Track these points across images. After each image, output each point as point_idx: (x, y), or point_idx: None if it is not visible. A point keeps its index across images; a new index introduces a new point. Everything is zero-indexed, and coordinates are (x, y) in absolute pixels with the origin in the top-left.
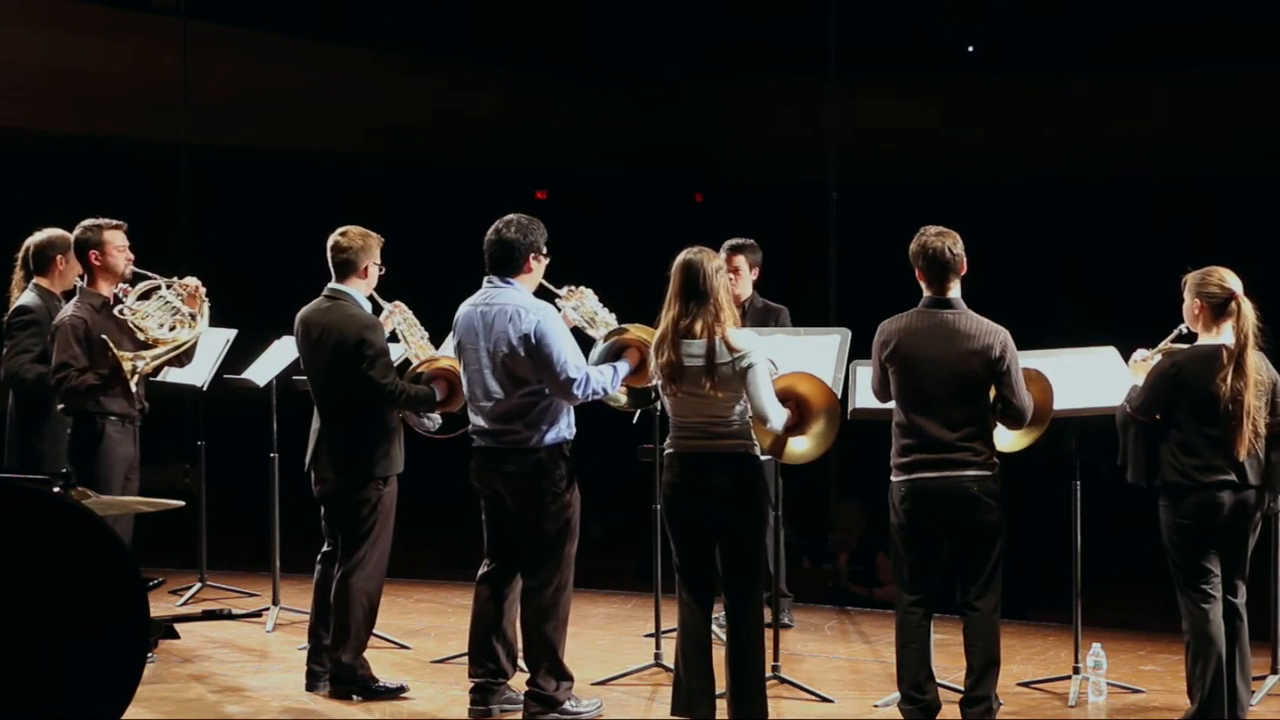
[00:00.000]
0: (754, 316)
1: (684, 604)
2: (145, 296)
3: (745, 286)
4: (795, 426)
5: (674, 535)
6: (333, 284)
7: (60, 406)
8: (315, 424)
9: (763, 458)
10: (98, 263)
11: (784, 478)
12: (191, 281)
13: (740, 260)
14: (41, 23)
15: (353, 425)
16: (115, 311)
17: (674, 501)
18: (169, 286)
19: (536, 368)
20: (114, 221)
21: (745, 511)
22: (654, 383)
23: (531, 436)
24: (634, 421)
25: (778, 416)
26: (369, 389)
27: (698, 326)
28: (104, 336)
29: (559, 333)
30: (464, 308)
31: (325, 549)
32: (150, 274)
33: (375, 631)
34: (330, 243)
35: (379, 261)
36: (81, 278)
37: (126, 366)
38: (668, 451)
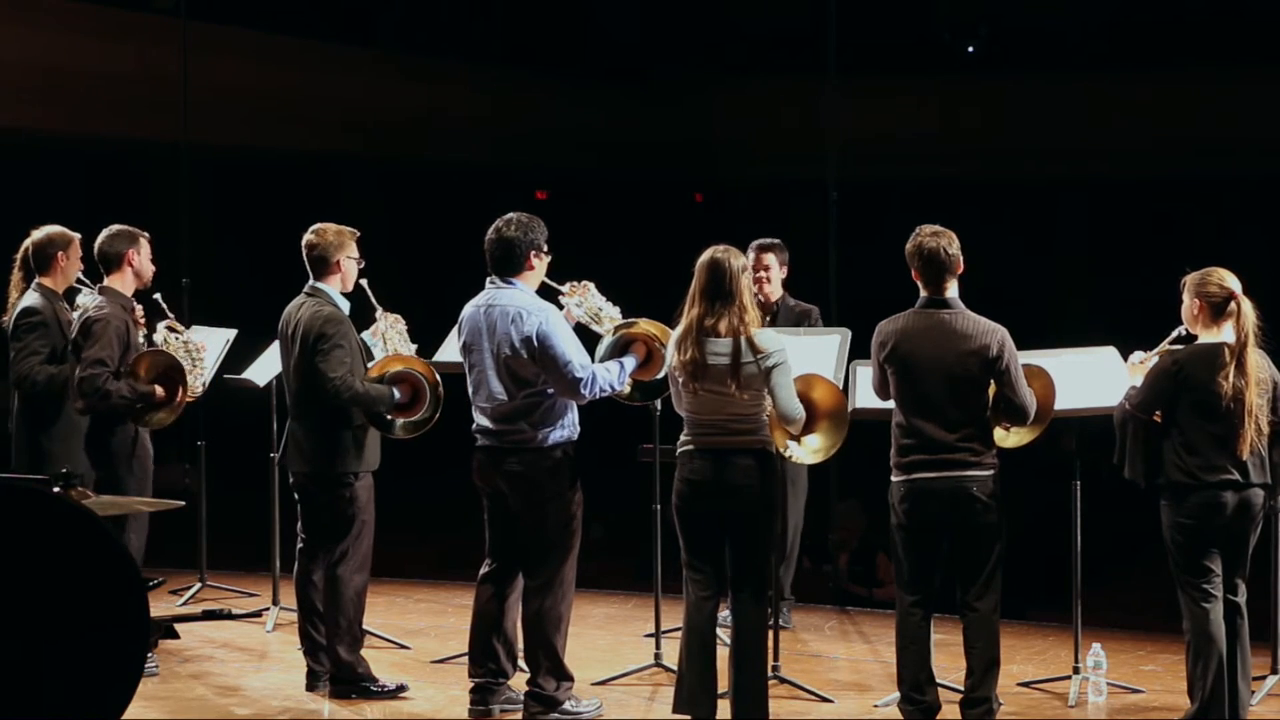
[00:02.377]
0: (785, 317)
1: (690, 601)
2: (170, 330)
3: (775, 286)
4: (805, 427)
5: (685, 532)
6: (311, 282)
7: (79, 404)
8: (289, 419)
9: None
10: (134, 264)
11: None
12: (201, 341)
13: (770, 258)
14: (41, 23)
15: (317, 421)
16: (169, 336)
17: (689, 498)
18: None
19: (542, 370)
20: (144, 232)
21: (762, 507)
22: (667, 373)
23: (535, 436)
24: (653, 409)
25: (799, 416)
26: (320, 381)
27: (722, 326)
28: (178, 362)
29: (562, 334)
30: (468, 308)
31: (299, 545)
32: (167, 309)
33: (375, 631)
34: (304, 241)
35: (355, 256)
36: (86, 278)
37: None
38: (685, 448)
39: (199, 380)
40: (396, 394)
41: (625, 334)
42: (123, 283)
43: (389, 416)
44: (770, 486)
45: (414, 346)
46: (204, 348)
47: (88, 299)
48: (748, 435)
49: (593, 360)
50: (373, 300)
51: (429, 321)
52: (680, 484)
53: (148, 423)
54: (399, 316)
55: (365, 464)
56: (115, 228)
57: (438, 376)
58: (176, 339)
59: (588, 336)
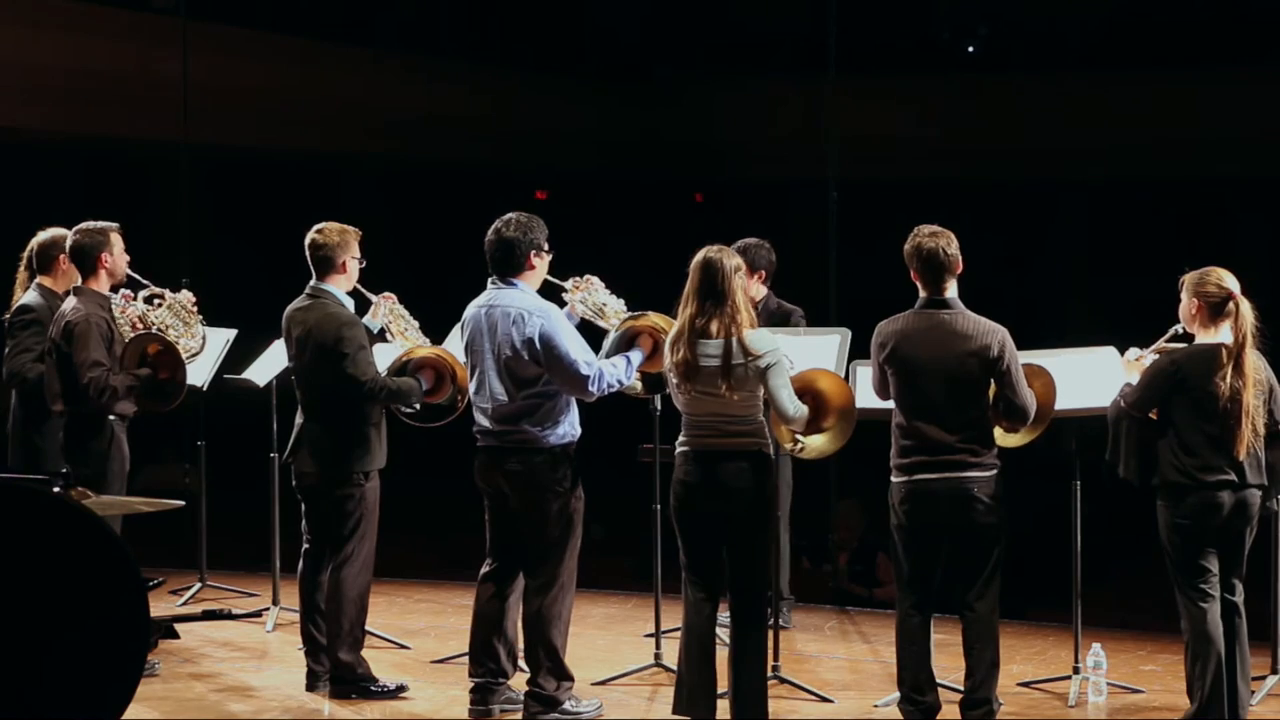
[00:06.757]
0: (766, 317)
1: (689, 602)
2: (148, 301)
3: (757, 287)
4: (811, 421)
5: (682, 533)
6: (313, 282)
7: (72, 407)
8: (299, 419)
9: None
10: (107, 265)
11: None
12: (190, 295)
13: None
14: (42, 23)
15: (333, 421)
16: (131, 315)
17: (685, 499)
18: (175, 292)
19: (547, 370)
20: (114, 224)
21: (757, 509)
22: (666, 370)
23: (536, 436)
24: (653, 409)
25: (799, 414)
26: (349, 386)
27: (714, 327)
28: (165, 338)
29: (565, 333)
30: (471, 309)
31: (305, 547)
32: (143, 280)
33: (375, 631)
34: (307, 240)
35: (358, 256)
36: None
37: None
38: (681, 449)
39: (197, 338)
40: (423, 382)
41: (631, 326)
42: (98, 283)
43: (416, 406)
44: (766, 489)
45: (415, 323)
46: (194, 301)
47: (66, 303)
48: (742, 437)
49: (600, 353)
50: (366, 294)
51: (430, 322)
52: (676, 485)
53: (159, 410)
54: (389, 295)
55: (376, 462)
56: (85, 226)
57: (455, 357)
58: (159, 307)
59: (592, 331)
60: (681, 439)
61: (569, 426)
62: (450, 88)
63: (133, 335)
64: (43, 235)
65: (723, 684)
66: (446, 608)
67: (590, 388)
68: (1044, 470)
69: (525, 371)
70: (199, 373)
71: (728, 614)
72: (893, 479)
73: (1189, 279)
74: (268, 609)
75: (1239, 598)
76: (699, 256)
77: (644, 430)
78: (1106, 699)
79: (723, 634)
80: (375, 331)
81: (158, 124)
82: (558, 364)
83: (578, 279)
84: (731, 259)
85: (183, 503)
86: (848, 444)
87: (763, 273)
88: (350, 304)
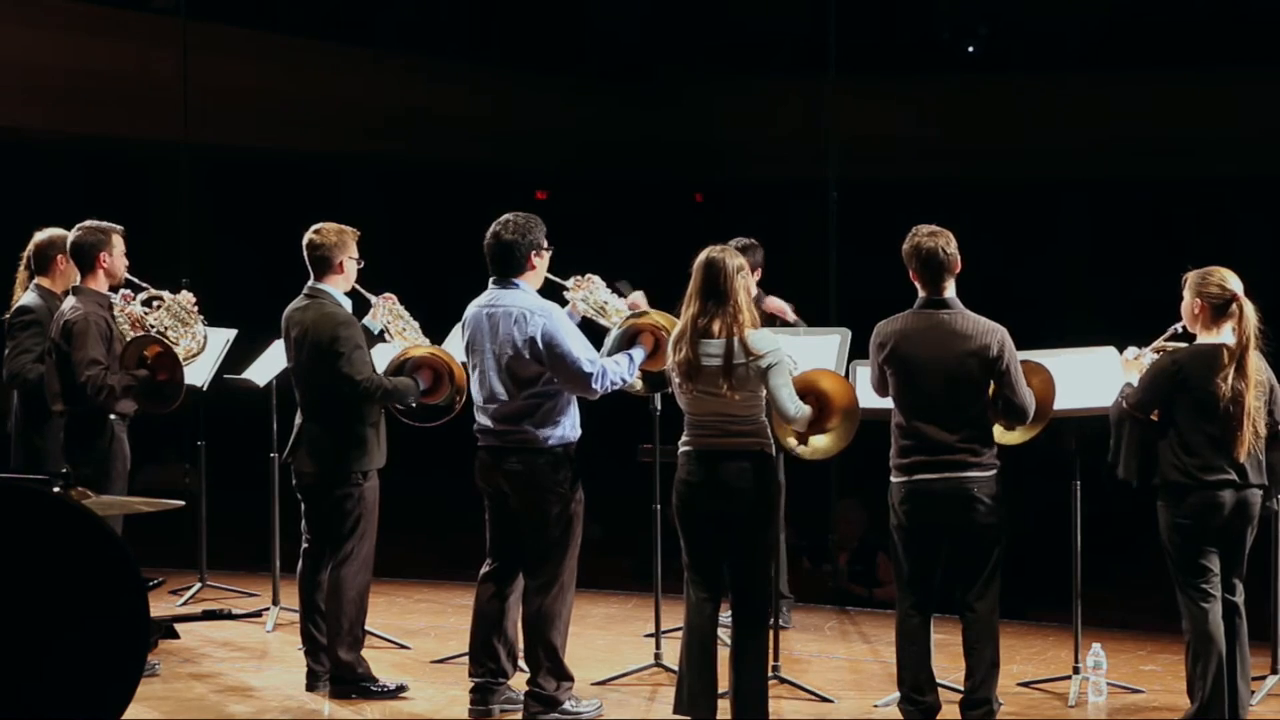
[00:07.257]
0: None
1: (691, 603)
2: (146, 304)
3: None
4: (815, 422)
5: (685, 533)
6: (311, 282)
7: (72, 407)
8: (298, 419)
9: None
10: (105, 265)
11: (785, 478)
12: (190, 296)
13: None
14: (42, 23)
15: (331, 421)
16: (127, 316)
17: (688, 499)
18: (174, 293)
19: (550, 369)
20: (118, 226)
21: (759, 510)
22: (668, 369)
23: (537, 436)
24: (653, 409)
25: (800, 415)
26: (346, 385)
27: (716, 326)
28: (164, 339)
29: (567, 331)
30: (472, 308)
31: (305, 546)
32: (142, 283)
33: (375, 631)
34: (305, 240)
35: (355, 256)
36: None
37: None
38: (683, 449)
39: (197, 338)
40: (420, 382)
41: (633, 324)
42: (96, 282)
43: (413, 404)
44: (767, 490)
45: (415, 324)
46: (194, 301)
47: (65, 302)
48: (744, 437)
49: (601, 351)
50: (366, 295)
51: (430, 322)
52: (678, 485)
53: (159, 411)
54: (389, 295)
55: (375, 461)
56: (86, 225)
57: (453, 356)
58: (158, 308)
59: (593, 329)
60: (684, 439)
61: (569, 427)
62: (450, 88)
63: (132, 336)
64: (40, 236)
65: (723, 684)
66: (446, 608)
67: (593, 385)
68: (1044, 470)
69: (526, 371)
70: (199, 373)
71: (729, 614)
72: (892, 479)
73: (1191, 278)
74: (268, 609)
75: (1239, 598)
76: (701, 256)
77: (644, 430)
78: (1106, 699)
79: (723, 634)
80: (375, 333)
81: (158, 124)
82: (560, 362)
83: (579, 277)
84: (734, 259)
85: (183, 503)
86: (848, 444)
87: (760, 270)
88: (348, 304)
